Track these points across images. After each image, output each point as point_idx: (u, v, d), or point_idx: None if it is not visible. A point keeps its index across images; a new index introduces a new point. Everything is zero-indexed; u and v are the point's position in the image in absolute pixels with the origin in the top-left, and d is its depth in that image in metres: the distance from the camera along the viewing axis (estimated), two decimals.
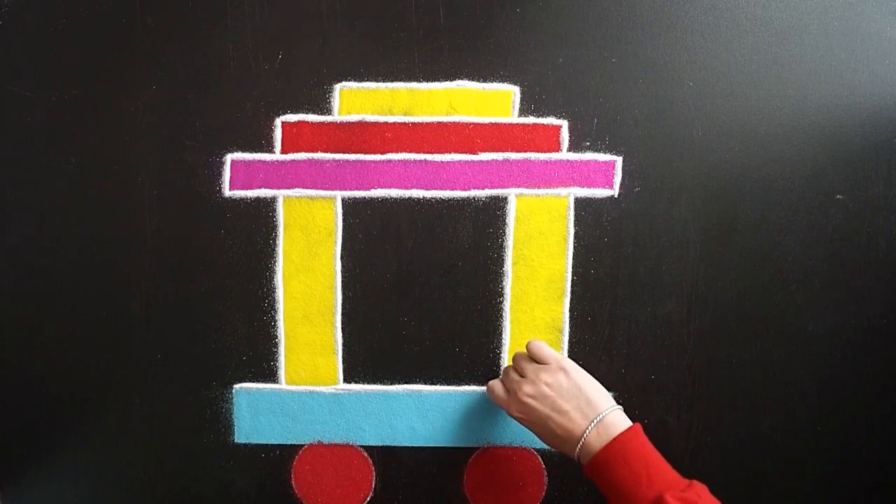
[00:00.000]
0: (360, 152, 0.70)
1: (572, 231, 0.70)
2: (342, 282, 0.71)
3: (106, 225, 0.71)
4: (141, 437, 0.73)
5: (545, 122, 0.69)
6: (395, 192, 0.70)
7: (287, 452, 0.73)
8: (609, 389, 0.64)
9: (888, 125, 0.69)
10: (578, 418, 0.60)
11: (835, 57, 0.68)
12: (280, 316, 0.71)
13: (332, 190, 0.70)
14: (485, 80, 0.69)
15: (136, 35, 0.69)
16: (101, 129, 0.70)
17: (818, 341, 0.70)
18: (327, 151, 0.70)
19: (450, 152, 0.70)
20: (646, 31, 0.68)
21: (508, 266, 0.71)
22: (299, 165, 0.70)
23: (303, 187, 0.70)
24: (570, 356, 0.71)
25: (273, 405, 0.72)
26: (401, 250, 0.71)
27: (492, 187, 0.70)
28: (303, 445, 0.73)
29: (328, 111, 0.70)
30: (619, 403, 0.62)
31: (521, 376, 0.64)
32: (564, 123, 0.69)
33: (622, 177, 0.69)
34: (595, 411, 0.60)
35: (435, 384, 0.72)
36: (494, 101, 0.69)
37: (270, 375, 0.72)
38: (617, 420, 0.59)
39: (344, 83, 0.69)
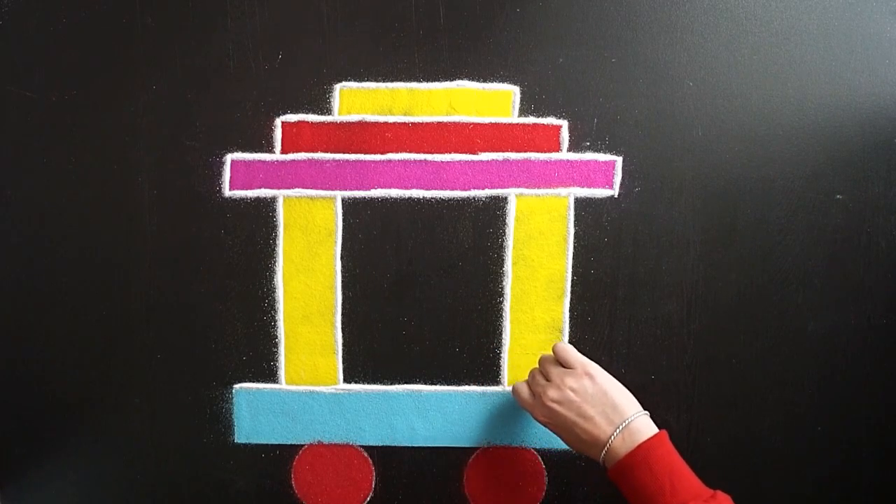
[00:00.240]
0: (360, 152, 0.70)
1: (572, 231, 0.70)
2: (342, 282, 0.71)
3: (106, 225, 0.71)
4: (141, 437, 0.73)
5: (545, 122, 0.69)
6: (395, 192, 0.70)
7: (287, 452, 0.73)
8: None
9: (888, 125, 0.69)
10: (604, 424, 0.60)
11: (835, 57, 0.68)
12: (280, 316, 0.71)
13: (332, 190, 0.70)
14: (485, 80, 0.69)
15: (136, 35, 0.69)
16: (101, 129, 0.70)
17: (818, 341, 0.70)
18: (327, 151, 0.70)
19: (450, 152, 0.70)
20: (646, 31, 0.68)
21: (508, 266, 0.71)
22: (299, 165, 0.70)
23: (303, 187, 0.70)
24: None
25: (273, 405, 0.72)
26: (401, 250, 0.71)
27: (492, 187, 0.70)
28: (303, 445, 0.73)
29: (328, 111, 0.70)
30: None
31: (547, 380, 0.63)
32: (564, 123, 0.69)
33: (622, 177, 0.69)
34: (621, 417, 0.59)
35: (435, 384, 0.72)
36: (494, 101, 0.69)
37: (270, 375, 0.72)
38: (643, 426, 0.59)
39: (344, 83, 0.69)
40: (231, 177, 0.70)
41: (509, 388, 0.72)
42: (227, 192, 0.70)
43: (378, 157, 0.70)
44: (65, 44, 0.69)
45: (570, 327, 0.71)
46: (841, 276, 0.70)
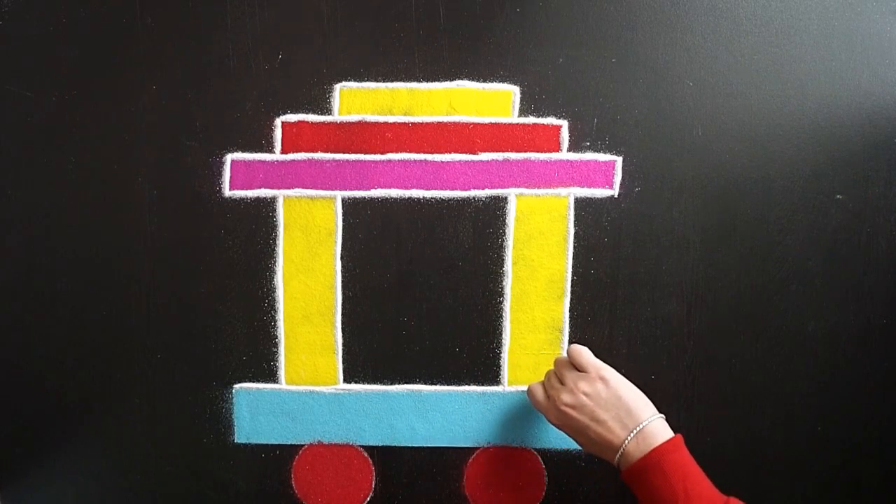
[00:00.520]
0: (360, 152, 0.70)
1: (572, 231, 0.70)
2: (342, 282, 0.71)
3: (106, 225, 0.71)
4: (141, 437, 0.73)
5: (545, 122, 0.69)
6: (395, 192, 0.70)
7: (287, 452, 0.73)
8: None
9: (888, 125, 0.69)
10: (617, 428, 0.59)
11: (835, 57, 0.68)
12: (280, 316, 0.71)
13: (332, 190, 0.70)
14: (485, 80, 0.69)
15: (136, 35, 0.69)
16: (101, 129, 0.70)
17: (818, 341, 0.70)
18: (327, 151, 0.70)
19: (450, 152, 0.70)
20: (646, 31, 0.68)
21: (508, 266, 0.71)
22: (299, 165, 0.70)
23: (303, 187, 0.70)
24: None
25: (273, 405, 0.72)
26: (401, 250, 0.71)
27: (492, 187, 0.70)
28: (303, 445, 0.73)
29: (328, 111, 0.70)
30: None
31: (561, 383, 0.63)
32: (564, 123, 0.69)
33: (622, 177, 0.69)
34: (635, 421, 0.59)
35: (435, 384, 0.72)
36: (494, 101, 0.69)
37: (270, 375, 0.72)
38: (657, 430, 0.59)
39: (344, 83, 0.69)
40: (231, 177, 0.70)
41: (510, 389, 0.72)
42: (227, 192, 0.70)
43: (378, 157, 0.70)
44: (65, 44, 0.69)
45: (570, 327, 0.71)
46: (841, 276, 0.70)
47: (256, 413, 0.72)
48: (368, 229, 0.71)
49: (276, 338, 0.72)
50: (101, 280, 0.71)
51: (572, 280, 0.70)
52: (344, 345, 0.72)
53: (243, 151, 0.70)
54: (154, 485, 0.73)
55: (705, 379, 0.71)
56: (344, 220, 0.71)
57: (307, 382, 0.72)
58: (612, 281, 0.70)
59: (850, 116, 0.69)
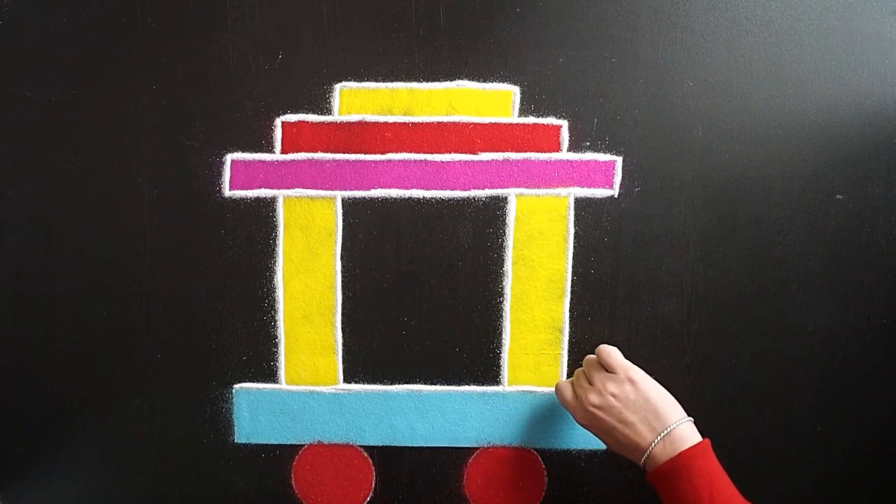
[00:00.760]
0: (360, 152, 0.70)
1: (572, 231, 0.70)
2: (342, 282, 0.71)
3: (106, 225, 0.71)
4: (141, 437, 0.73)
5: (545, 122, 0.69)
6: (395, 192, 0.70)
7: (287, 452, 0.73)
8: None
9: (888, 125, 0.69)
10: (645, 431, 0.59)
11: (835, 57, 0.68)
12: (280, 316, 0.71)
13: (332, 190, 0.70)
14: (485, 80, 0.69)
15: (136, 35, 0.69)
16: (101, 129, 0.70)
17: (818, 341, 0.70)
18: (327, 151, 0.70)
19: (450, 152, 0.70)
20: (646, 31, 0.68)
21: (508, 266, 0.71)
22: (299, 165, 0.70)
23: (303, 187, 0.70)
24: (569, 356, 0.71)
25: (273, 405, 0.72)
26: (401, 250, 0.71)
27: (492, 187, 0.70)
28: (303, 445, 0.73)
29: (328, 111, 0.70)
30: None
31: (590, 384, 0.63)
32: (564, 123, 0.69)
33: (622, 177, 0.69)
34: (663, 424, 0.59)
35: (435, 384, 0.72)
36: (494, 101, 0.69)
37: (270, 375, 0.72)
38: (685, 434, 0.58)
39: (344, 83, 0.69)
40: (231, 177, 0.70)
41: (510, 389, 0.72)
42: (227, 192, 0.70)
43: (378, 157, 0.70)
44: (65, 44, 0.69)
45: (570, 327, 0.71)
46: (841, 276, 0.70)
47: (256, 413, 0.72)
48: (368, 229, 0.71)
49: (276, 338, 0.72)
50: (101, 280, 0.71)
51: (572, 280, 0.70)
52: (344, 345, 0.72)
53: (243, 151, 0.70)
54: (154, 485, 0.73)
55: (705, 379, 0.71)
56: (344, 220, 0.71)
57: (307, 382, 0.72)
58: (612, 281, 0.70)
59: (850, 116, 0.69)
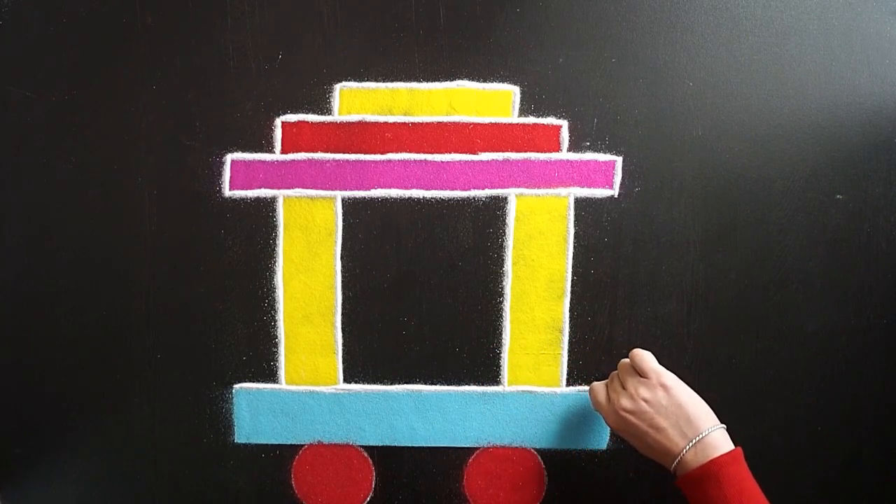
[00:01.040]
0: (360, 152, 0.70)
1: (572, 231, 0.70)
2: (342, 282, 0.71)
3: (106, 225, 0.71)
4: (141, 437, 0.73)
5: (545, 122, 0.69)
6: (395, 192, 0.70)
7: (287, 452, 0.73)
8: None
9: (888, 125, 0.69)
10: (676, 437, 0.59)
11: (835, 57, 0.68)
12: (280, 316, 0.71)
13: (332, 190, 0.70)
14: (485, 80, 0.69)
15: (136, 35, 0.69)
16: (101, 129, 0.70)
17: (818, 341, 0.70)
18: (327, 151, 0.70)
19: (450, 152, 0.70)
20: (646, 31, 0.68)
21: (508, 266, 0.71)
22: (299, 165, 0.70)
23: (303, 187, 0.70)
24: (569, 356, 0.71)
25: (273, 405, 0.72)
26: (401, 250, 0.71)
27: (492, 187, 0.70)
28: (303, 445, 0.73)
29: (328, 111, 0.70)
30: None
31: (623, 388, 0.63)
32: (564, 123, 0.69)
33: (622, 177, 0.69)
34: (695, 431, 0.58)
35: (435, 384, 0.72)
36: (494, 101, 0.69)
37: (270, 375, 0.72)
38: (717, 441, 0.58)
39: (344, 83, 0.69)
40: (231, 177, 0.70)
41: (510, 389, 0.72)
42: (227, 192, 0.70)
43: (378, 157, 0.70)
44: (65, 44, 0.69)
45: (570, 327, 0.71)
46: (841, 276, 0.70)
47: (256, 413, 0.72)
48: (368, 229, 0.71)
49: (276, 338, 0.72)
50: (101, 280, 0.71)
51: (572, 280, 0.70)
52: (344, 345, 0.72)
53: (243, 151, 0.70)
54: (154, 485, 0.73)
55: (705, 379, 0.71)
56: (344, 220, 0.71)
57: (307, 382, 0.72)
58: (612, 281, 0.70)
59: (850, 116, 0.69)
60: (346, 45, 0.69)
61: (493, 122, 0.69)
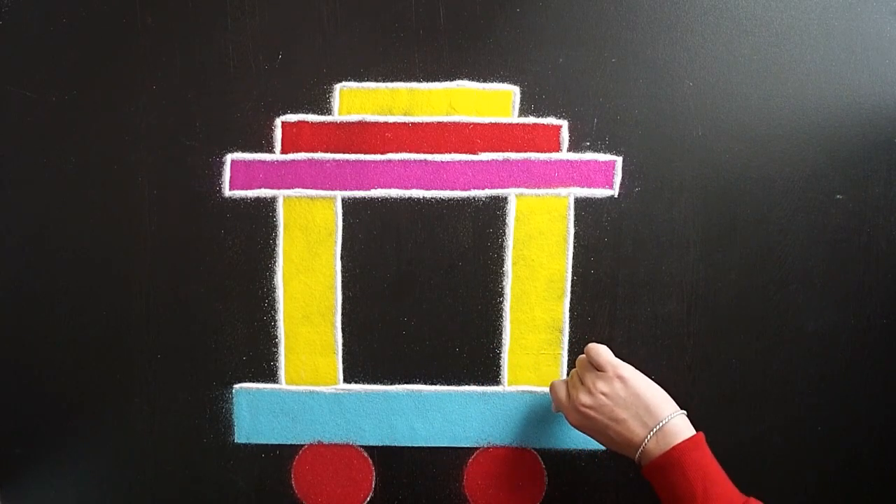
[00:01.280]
0: (360, 152, 0.70)
1: (572, 231, 0.70)
2: (342, 282, 0.71)
3: (106, 225, 0.71)
4: (141, 437, 0.73)
5: (545, 122, 0.69)
6: (395, 192, 0.70)
7: (287, 452, 0.73)
8: None
9: (888, 125, 0.69)
10: (637, 427, 0.59)
11: (835, 57, 0.68)
12: (280, 316, 0.71)
13: (332, 190, 0.70)
14: (485, 80, 0.69)
15: (136, 35, 0.69)
16: (101, 129, 0.70)
17: (818, 341, 0.70)
18: (327, 151, 0.70)
19: (450, 152, 0.70)
20: (646, 31, 0.68)
21: (508, 266, 0.71)
22: (299, 165, 0.70)
23: (303, 187, 0.70)
24: (569, 356, 0.71)
25: (273, 405, 0.72)
26: (401, 250, 0.71)
27: (492, 187, 0.70)
28: (303, 445, 0.73)
29: (328, 111, 0.70)
30: None
31: (581, 383, 0.63)
32: (564, 123, 0.69)
33: (622, 177, 0.69)
34: (654, 420, 0.59)
35: (435, 384, 0.72)
36: (494, 101, 0.69)
37: (270, 375, 0.72)
38: (678, 428, 0.58)
39: (344, 83, 0.69)
40: (231, 177, 0.70)
41: (510, 389, 0.72)
42: (227, 192, 0.70)
43: (378, 157, 0.70)
44: (65, 44, 0.69)
45: (570, 327, 0.71)
46: (841, 276, 0.70)
47: (256, 413, 0.72)
48: (368, 229, 0.71)
49: (276, 338, 0.72)
50: (101, 280, 0.71)
51: (572, 280, 0.70)
52: (344, 345, 0.72)
53: (243, 151, 0.70)
54: (154, 485, 0.73)
55: (705, 379, 0.71)
56: (344, 220, 0.71)
57: (307, 382, 0.72)
58: (612, 281, 0.70)
59: (850, 116, 0.69)
60: (346, 45, 0.69)
61: (493, 122, 0.69)
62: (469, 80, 0.69)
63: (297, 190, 0.70)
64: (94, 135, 0.70)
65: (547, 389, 0.71)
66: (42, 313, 0.72)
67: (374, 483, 0.73)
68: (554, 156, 0.69)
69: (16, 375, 0.73)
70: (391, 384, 0.72)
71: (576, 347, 0.71)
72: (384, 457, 0.73)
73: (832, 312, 0.70)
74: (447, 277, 0.71)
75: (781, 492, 0.72)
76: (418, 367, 0.72)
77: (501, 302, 0.71)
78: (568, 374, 0.71)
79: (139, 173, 0.70)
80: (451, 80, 0.69)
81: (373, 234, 0.71)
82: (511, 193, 0.70)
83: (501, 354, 0.72)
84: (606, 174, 0.69)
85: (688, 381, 0.71)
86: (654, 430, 0.58)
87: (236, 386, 0.72)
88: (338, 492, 0.73)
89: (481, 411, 0.72)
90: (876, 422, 0.71)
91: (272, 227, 0.71)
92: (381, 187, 0.70)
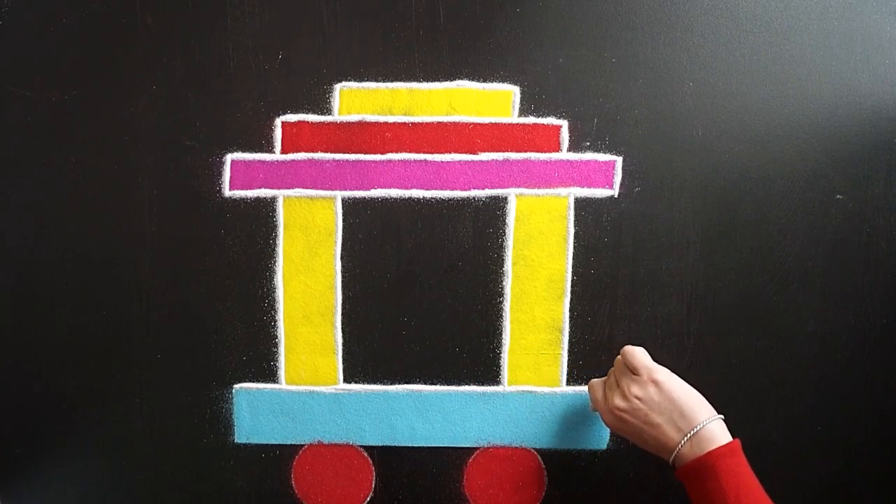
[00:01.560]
0: (360, 152, 0.70)
1: (572, 231, 0.70)
2: (342, 282, 0.71)
3: (106, 225, 0.71)
4: (141, 437, 0.73)
5: (545, 122, 0.69)
6: (395, 192, 0.70)
7: (287, 452, 0.73)
8: None
9: (888, 125, 0.69)
10: (671, 432, 0.59)
11: (835, 57, 0.68)
12: (280, 316, 0.71)
13: (332, 190, 0.70)
14: (485, 80, 0.69)
15: (136, 35, 0.69)
16: (101, 129, 0.70)
17: (818, 341, 0.70)
18: (327, 151, 0.70)
19: (450, 152, 0.70)
20: (646, 31, 0.68)
21: (508, 266, 0.71)
22: (299, 165, 0.70)
23: (303, 187, 0.70)
24: (569, 356, 0.71)
25: (273, 405, 0.72)
26: (401, 250, 0.71)
27: (492, 187, 0.70)
28: (303, 445, 0.73)
29: (328, 111, 0.70)
30: None
31: (617, 386, 0.62)
32: (564, 123, 0.69)
33: (622, 177, 0.69)
34: (689, 425, 0.58)
35: (435, 384, 0.72)
36: (494, 101, 0.69)
37: (270, 375, 0.72)
38: (714, 434, 0.58)
39: (344, 83, 0.69)
40: (231, 177, 0.70)
41: (510, 389, 0.72)
42: (227, 192, 0.70)
43: (378, 157, 0.70)
44: (65, 44, 0.69)
45: (570, 327, 0.71)
46: (841, 276, 0.70)
47: (256, 413, 0.72)
48: (368, 229, 0.71)
49: (276, 338, 0.72)
50: (101, 280, 0.71)
51: (572, 280, 0.70)
52: (344, 345, 0.72)
53: (243, 151, 0.70)
54: (154, 485, 0.73)
55: (705, 379, 0.70)
56: (344, 220, 0.71)
57: (307, 382, 0.72)
58: (612, 281, 0.70)
59: (850, 116, 0.69)
60: (346, 45, 0.69)
61: (493, 122, 0.69)
62: (469, 80, 0.69)
63: (297, 190, 0.70)
64: (94, 135, 0.70)
65: (547, 389, 0.71)
66: (42, 313, 0.72)
67: (374, 483, 0.73)
68: (554, 156, 0.69)
69: (16, 375, 0.73)
70: (391, 384, 0.72)
71: (576, 347, 0.71)
72: (384, 457, 0.73)
73: (832, 312, 0.70)
74: (447, 277, 0.71)
75: (781, 491, 0.72)
76: (418, 367, 0.72)
77: (501, 302, 0.71)
78: (568, 374, 0.71)
79: (139, 173, 0.70)
80: (451, 80, 0.69)
81: (373, 234, 0.71)
82: (511, 193, 0.70)
83: (501, 354, 0.72)
84: (606, 174, 0.69)
85: (688, 381, 0.71)
86: (689, 435, 0.58)
87: (236, 386, 0.72)
88: (338, 492, 0.73)
89: (481, 411, 0.72)
90: (876, 422, 0.71)
91: (272, 227, 0.71)
92: (381, 187, 0.70)
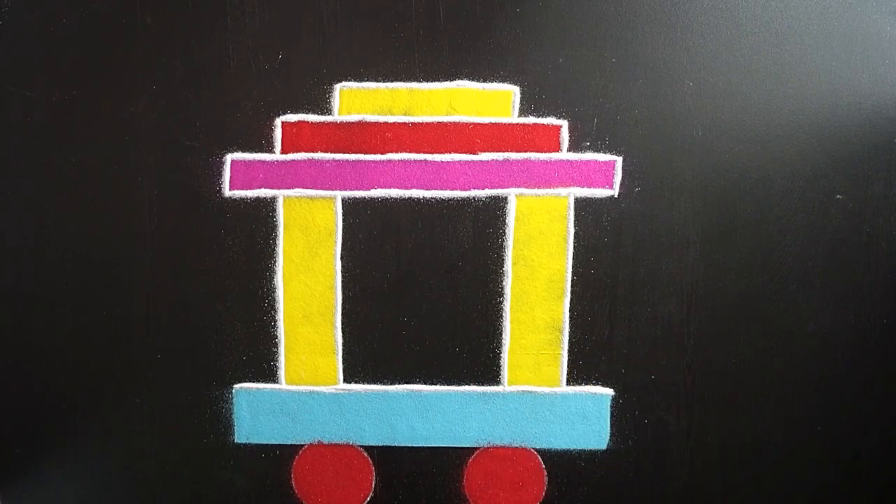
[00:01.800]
0: (360, 152, 0.70)
1: (572, 231, 0.70)
2: (342, 282, 0.71)
3: (106, 225, 0.71)
4: (141, 437, 0.73)
5: (545, 122, 0.69)
6: (395, 192, 0.70)
7: (287, 452, 0.73)
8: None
9: (888, 125, 0.69)
10: None
11: (835, 57, 0.68)
12: (280, 316, 0.71)
13: (332, 190, 0.70)
14: (485, 80, 0.69)
15: (136, 35, 0.69)
16: (101, 129, 0.70)
17: (818, 341, 0.70)
18: (327, 151, 0.70)
19: (450, 152, 0.70)
20: (646, 31, 0.68)
21: (508, 266, 0.71)
22: (299, 165, 0.70)
23: (303, 187, 0.70)
24: (569, 356, 0.71)
25: (273, 405, 0.72)
26: (401, 250, 0.71)
27: (492, 187, 0.70)
28: (303, 445, 0.73)
29: (328, 111, 0.70)
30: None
31: None
32: (564, 123, 0.69)
33: (622, 177, 0.69)
34: None
35: (435, 384, 0.72)
36: (494, 101, 0.69)
37: (270, 375, 0.72)
38: None
39: (344, 83, 0.69)
40: (231, 177, 0.70)
41: (510, 389, 0.72)
42: (227, 192, 0.70)
43: (378, 157, 0.70)
44: (65, 44, 0.69)
45: (570, 327, 0.71)
46: (841, 276, 0.70)
47: (256, 413, 0.72)
48: (368, 229, 0.71)
49: (276, 338, 0.72)
50: (101, 280, 0.71)
51: (572, 280, 0.70)
52: (344, 345, 0.72)
53: (243, 151, 0.70)
54: (154, 485, 0.73)
55: (705, 379, 0.71)
56: (344, 220, 0.71)
57: (307, 382, 0.72)
58: (612, 281, 0.70)
59: (850, 116, 0.69)
60: (346, 45, 0.69)
61: (493, 122, 0.69)
62: (469, 80, 0.69)
63: (297, 190, 0.70)
64: (94, 135, 0.70)
65: (547, 389, 0.71)
66: (42, 313, 0.72)
67: (374, 483, 0.73)
68: (554, 156, 0.69)
69: (16, 375, 0.73)
70: (391, 384, 0.72)
71: (576, 347, 0.71)
72: (384, 457, 0.73)
73: (832, 312, 0.70)
74: (447, 277, 0.71)
75: (781, 492, 0.72)
76: (418, 367, 0.72)
77: (501, 302, 0.71)
78: (568, 374, 0.71)
79: (139, 173, 0.70)
80: (451, 80, 0.69)
81: (373, 234, 0.71)
82: (511, 193, 0.70)
83: (501, 354, 0.72)
84: (606, 174, 0.69)
85: (688, 381, 0.71)
86: None
87: (236, 386, 0.72)
88: (338, 492, 0.73)
89: (481, 411, 0.72)
90: (876, 422, 0.71)
91: (272, 227, 0.71)
92: (381, 187, 0.70)
